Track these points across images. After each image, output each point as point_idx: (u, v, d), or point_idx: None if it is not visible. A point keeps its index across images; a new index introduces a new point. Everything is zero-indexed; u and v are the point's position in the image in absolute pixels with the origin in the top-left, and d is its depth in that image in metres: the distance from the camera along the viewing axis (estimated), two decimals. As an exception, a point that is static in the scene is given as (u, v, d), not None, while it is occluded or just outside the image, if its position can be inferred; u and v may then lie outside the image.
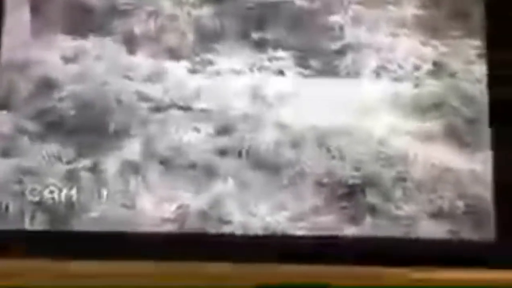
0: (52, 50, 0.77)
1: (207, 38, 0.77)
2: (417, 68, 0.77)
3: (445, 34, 0.77)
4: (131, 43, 0.77)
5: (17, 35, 0.77)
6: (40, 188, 0.73)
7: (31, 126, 0.75)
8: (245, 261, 0.69)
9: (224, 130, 0.75)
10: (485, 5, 0.77)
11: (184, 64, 0.77)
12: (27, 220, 0.73)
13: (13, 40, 0.77)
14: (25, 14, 0.77)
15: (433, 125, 0.75)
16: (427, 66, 0.77)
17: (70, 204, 0.73)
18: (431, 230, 0.73)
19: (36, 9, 0.77)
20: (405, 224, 0.73)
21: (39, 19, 0.77)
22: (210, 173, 0.74)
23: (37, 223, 0.73)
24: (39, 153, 0.74)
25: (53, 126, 0.75)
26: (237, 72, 0.76)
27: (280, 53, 0.77)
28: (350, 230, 0.73)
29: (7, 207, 0.73)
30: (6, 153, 0.74)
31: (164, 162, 0.74)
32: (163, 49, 0.77)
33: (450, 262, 0.70)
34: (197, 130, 0.75)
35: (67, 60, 0.77)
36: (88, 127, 0.75)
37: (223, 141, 0.75)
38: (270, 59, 0.76)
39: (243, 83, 0.76)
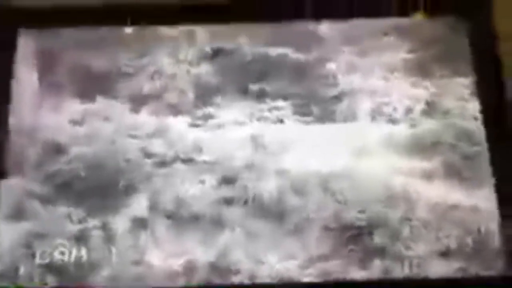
0: (60, 114, 0.64)
1: (207, 93, 0.64)
2: (411, 109, 0.63)
3: (435, 75, 0.64)
4: (135, 102, 0.64)
5: (25, 100, 0.64)
6: (50, 250, 0.58)
7: (41, 189, 0.61)
8: None
9: (228, 180, 0.61)
10: (471, 44, 0.63)
11: (185, 119, 0.63)
12: (37, 281, 0.58)
13: (22, 105, 0.64)
14: (33, 79, 0.63)
15: (432, 163, 0.61)
16: (421, 106, 0.63)
17: (80, 263, 0.58)
18: (440, 268, 0.58)
19: (43, 74, 0.64)
20: (414, 264, 0.57)
21: (47, 83, 0.64)
22: (216, 223, 0.60)
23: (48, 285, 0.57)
24: (49, 216, 0.60)
25: (63, 188, 0.61)
26: (238, 123, 0.63)
27: (279, 102, 0.63)
28: (359, 274, 0.57)
29: (17, 270, 0.59)
30: (17, 217, 0.61)
31: (171, 216, 0.60)
32: (165, 106, 0.64)
33: None
34: (201, 182, 0.61)
35: (75, 122, 0.63)
36: (96, 187, 0.61)
37: (228, 191, 0.61)
38: (269, 109, 0.63)
39: (244, 133, 0.63)
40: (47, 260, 0.58)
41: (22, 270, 0.58)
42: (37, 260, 0.59)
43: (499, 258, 0.57)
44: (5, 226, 0.59)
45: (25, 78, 0.64)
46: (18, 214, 0.60)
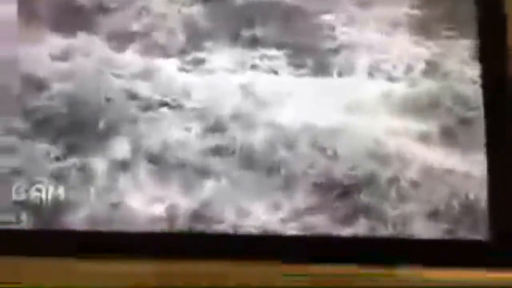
0: (40, 48, 0.62)
1: (198, 36, 0.63)
2: (410, 68, 0.62)
3: (438, 34, 0.63)
4: (120, 40, 0.62)
5: (4, 31, 0.61)
6: (26, 187, 0.58)
7: (20, 125, 0.60)
8: (237, 260, 0.56)
9: (215, 129, 0.61)
10: (477, 6, 0.62)
11: (174, 62, 0.62)
12: (13, 219, 0.58)
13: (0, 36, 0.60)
14: (12, 10, 0.61)
15: (428, 125, 0.62)
16: (421, 66, 0.62)
17: (57, 202, 0.59)
18: (426, 229, 0.59)
19: (23, 5, 0.62)
20: (399, 224, 0.58)
21: (26, 15, 0.62)
22: (201, 172, 0.60)
23: (23, 223, 0.59)
24: (28, 152, 0.60)
25: (42, 125, 0.60)
26: (229, 71, 0.62)
27: (272, 51, 0.62)
28: (344, 230, 0.59)
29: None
30: None
31: (154, 161, 0.60)
32: (152, 47, 0.62)
33: (445, 262, 0.57)
34: (188, 129, 0.60)
35: (55, 57, 0.62)
36: (77, 125, 0.61)
37: (215, 140, 0.60)
38: (262, 58, 0.62)
39: (235, 81, 0.62)
40: (23, 197, 0.55)
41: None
42: (13, 196, 0.54)
43: (485, 223, 0.56)
44: None
45: (4, 8, 0.60)
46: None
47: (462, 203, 0.57)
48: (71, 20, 0.62)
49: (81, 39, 0.62)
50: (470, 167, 0.58)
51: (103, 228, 0.55)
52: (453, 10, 0.63)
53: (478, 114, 0.61)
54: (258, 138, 0.58)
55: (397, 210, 0.57)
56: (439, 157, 0.58)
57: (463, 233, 0.57)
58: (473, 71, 0.62)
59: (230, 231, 0.56)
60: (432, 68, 0.61)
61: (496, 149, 0.59)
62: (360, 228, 0.56)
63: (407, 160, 0.59)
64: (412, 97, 0.60)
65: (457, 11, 0.63)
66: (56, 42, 0.61)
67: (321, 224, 0.57)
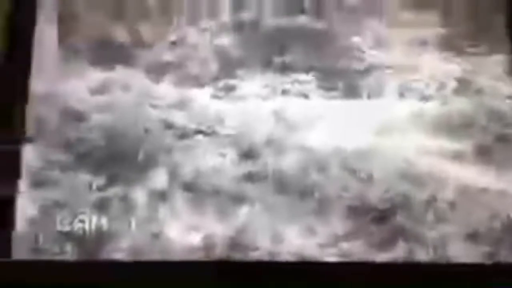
0: (80, 82, 0.64)
1: (230, 65, 0.63)
2: (442, 86, 0.61)
3: (468, 51, 0.62)
4: (156, 72, 0.63)
5: (45, 67, 0.64)
6: (70, 218, 0.59)
7: (61, 157, 0.62)
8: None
9: (248, 155, 0.61)
10: (508, 20, 0.62)
11: (207, 91, 0.63)
12: (57, 250, 0.59)
13: (42, 72, 0.64)
14: (54, 46, 0.64)
15: (462, 143, 0.61)
16: (453, 84, 0.61)
17: (99, 233, 0.59)
18: (466, 252, 0.57)
19: (63, 41, 0.64)
20: (439, 247, 0.57)
21: (67, 51, 0.64)
22: (236, 198, 0.60)
23: (67, 254, 0.59)
24: (70, 184, 0.61)
25: (83, 157, 0.62)
26: (260, 97, 0.63)
27: (302, 76, 0.62)
28: (381, 255, 0.57)
29: (37, 237, 0.60)
30: (38, 185, 0.61)
31: (190, 189, 0.61)
32: (187, 77, 0.63)
33: (487, 285, 0.54)
34: (222, 155, 0.61)
35: (95, 91, 0.64)
36: (116, 157, 0.62)
37: (248, 166, 0.61)
38: (292, 83, 0.62)
39: (266, 107, 0.63)
40: (67, 228, 0.58)
41: (42, 238, 0.58)
42: (58, 228, 0.57)
43: None
44: (26, 193, 0.58)
45: (45, 44, 0.63)
46: (39, 181, 0.61)
47: (503, 223, 0.56)
48: (109, 53, 0.62)
49: (119, 72, 0.62)
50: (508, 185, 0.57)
51: (144, 257, 0.57)
52: (484, 27, 0.61)
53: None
54: (289, 162, 0.59)
55: (435, 233, 0.55)
56: (474, 176, 0.57)
57: (504, 255, 0.55)
58: (508, 86, 0.59)
59: (266, 257, 0.56)
60: (464, 86, 0.60)
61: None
62: (398, 251, 0.56)
63: (440, 180, 0.58)
64: (445, 115, 0.60)
65: (487, 28, 0.61)
66: (95, 75, 0.62)
67: (358, 249, 0.56)
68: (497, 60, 0.61)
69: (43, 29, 0.64)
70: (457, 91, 0.61)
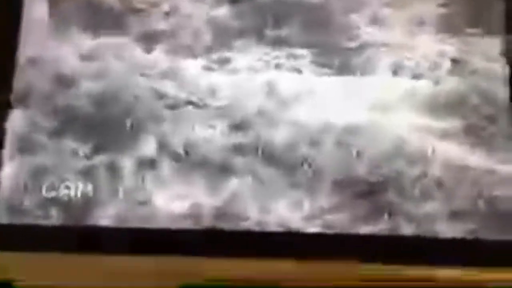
0: (70, 48, 0.64)
1: (223, 36, 0.63)
2: (436, 65, 0.62)
3: (464, 32, 0.63)
4: (147, 41, 0.63)
5: (34, 31, 0.64)
6: (56, 184, 0.60)
7: (48, 123, 0.62)
8: (261, 258, 0.56)
9: (239, 127, 0.62)
10: (506, 2, 0.62)
11: (200, 62, 0.63)
12: (43, 215, 0.59)
13: (30, 36, 0.64)
14: (43, 10, 0.63)
15: (453, 122, 0.61)
16: (447, 64, 0.62)
17: (86, 200, 0.60)
18: (450, 229, 0.58)
19: (53, 6, 0.64)
20: (423, 223, 0.58)
21: (56, 16, 0.64)
22: (225, 169, 0.61)
23: (53, 219, 0.59)
24: (56, 150, 0.61)
25: (70, 123, 0.62)
26: (254, 70, 0.62)
27: (297, 50, 0.62)
28: (366, 229, 0.59)
29: (21, 202, 0.60)
30: (23, 150, 0.61)
31: (179, 159, 0.61)
32: (179, 47, 0.63)
33: (468, 262, 0.57)
34: (212, 127, 0.61)
35: (84, 58, 0.63)
36: (104, 124, 0.62)
37: (239, 138, 0.61)
38: (287, 57, 0.62)
39: (259, 80, 0.62)
40: (53, 194, 0.58)
41: (27, 202, 0.58)
42: (43, 193, 0.57)
43: (511, 223, 0.56)
44: (11, 158, 0.58)
45: (35, 9, 0.63)
46: (24, 146, 0.60)
47: (488, 201, 0.57)
48: (100, 20, 0.62)
49: (110, 40, 0.61)
50: (495, 165, 0.58)
51: (130, 225, 0.57)
52: (480, 7, 0.61)
53: (505, 112, 0.60)
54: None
55: (421, 210, 0.56)
56: (465, 154, 0.58)
57: (488, 233, 0.56)
58: (501, 68, 0.60)
59: (254, 228, 0.56)
60: (458, 66, 0.61)
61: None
62: (382, 226, 0.56)
63: (430, 158, 0.59)
64: (437, 94, 0.60)
65: (484, 8, 0.61)
66: (85, 42, 0.62)
67: (343, 222, 0.57)
68: (493, 42, 0.60)
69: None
70: (451, 71, 0.61)
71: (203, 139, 0.60)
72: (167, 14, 0.64)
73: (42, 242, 0.57)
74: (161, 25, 0.64)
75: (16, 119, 0.62)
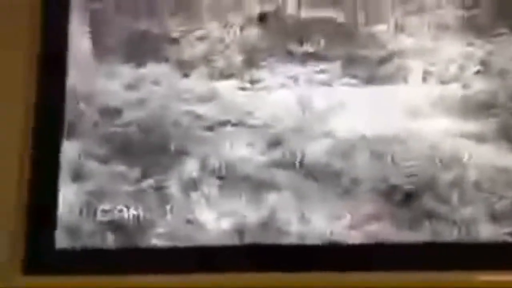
0: (114, 79, 0.64)
1: (254, 56, 0.63)
2: (464, 68, 0.59)
3: (490, 33, 0.60)
4: (184, 67, 0.63)
5: (81, 65, 0.64)
6: (109, 208, 0.60)
7: (98, 151, 0.62)
8: (305, 271, 0.56)
9: (276, 143, 0.61)
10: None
11: (233, 83, 0.62)
12: (99, 239, 0.59)
13: (78, 71, 0.65)
14: (87, 45, 0.63)
15: (485, 125, 0.59)
16: (474, 66, 0.60)
17: (137, 221, 0.60)
18: (490, 232, 0.56)
19: (96, 38, 0.65)
20: (464, 227, 0.56)
21: (99, 48, 0.64)
22: (265, 185, 0.60)
23: (109, 241, 0.59)
24: (107, 176, 0.62)
25: (118, 150, 0.62)
26: (285, 86, 0.62)
27: (325, 64, 0.62)
28: (408, 236, 0.57)
29: (79, 228, 0.61)
30: (77, 178, 0.62)
31: (221, 178, 0.61)
32: (213, 70, 0.63)
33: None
34: (250, 144, 0.61)
35: (128, 87, 0.64)
36: (150, 149, 0.62)
37: (276, 154, 0.61)
38: (316, 72, 0.61)
39: (291, 96, 0.62)
40: (107, 218, 0.57)
41: (84, 227, 0.58)
42: (98, 218, 0.57)
43: None
44: (66, 186, 0.59)
45: (80, 45, 0.63)
46: (78, 174, 0.61)
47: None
48: (139, 50, 0.62)
49: (151, 68, 0.61)
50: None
51: (180, 243, 0.56)
52: (504, 7, 0.59)
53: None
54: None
55: (460, 214, 0.54)
56: (497, 156, 0.55)
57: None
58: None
59: (296, 242, 0.55)
60: (485, 67, 0.58)
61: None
62: (423, 233, 0.54)
63: (466, 162, 0.58)
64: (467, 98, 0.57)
65: (507, 8, 0.58)
66: (127, 72, 0.62)
67: (384, 231, 0.55)
68: None
69: (76, 28, 0.63)
70: (478, 73, 0.59)
71: (242, 157, 0.57)
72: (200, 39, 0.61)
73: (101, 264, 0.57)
74: (196, 50, 0.61)
75: (70, 149, 0.63)
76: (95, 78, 0.64)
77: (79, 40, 0.65)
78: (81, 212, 0.59)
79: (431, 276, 0.52)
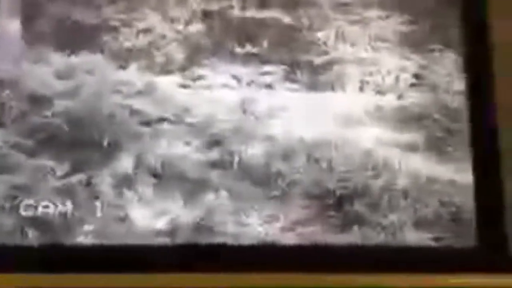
0: (44, 66, 0.60)
1: (196, 54, 0.61)
2: (399, 80, 0.62)
3: (425, 48, 0.63)
4: (121, 58, 0.60)
5: (8, 51, 0.59)
6: (34, 204, 0.57)
7: (25, 142, 0.58)
8: (237, 271, 0.55)
9: (214, 143, 0.60)
10: (462, 20, 0.62)
11: (174, 79, 0.60)
12: (20, 235, 0.56)
13: (5, 56, 0.60)
14: (17, 30, 0.59)
15: (416, 135, 0.61)
16: (409, 79, 0.63)
17: (64, 218, 0.57)
18: (416, 237, 0.58)
19: (27, 23, 0.60)
20: (390, 232, 0.58)
21: (30, 33, 0.60)
22: (201, 185, 0.59)
23: (31, 239, 0.56)
24: (34, 169, 0.58)
25: (47, 142, 0.58)
26: (227, 86, 0.61)
27: (268, 67, 0.61)
28: (337, 239, 0.58)
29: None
30: (0, 170, 0.57)
31: (156, 175, 0.59)
32: (153, 64, 0.60)
33: (434, 268, 0.56)
34: (187, 143, 0.59)
35: (59, 76, 0.60)
36: (81, 142, 0.59)
37: (213, 154, 0.59)
38: (259, 74, 0.61)
39: (232, 97, 0.61)
40: (31, 213, 0.54)
41: (6, 222, 0.55)
42: (22, 213, 0.54)
43: (472, 230, 0.57)
44: None
45: (9, 29, 0.58)
46: (2, 166, 0.57)
47: (451, 211, 0.57)
48: (75, 38, 0.59)
49: (84, 57, 0.58)
50: (456, 176, 0.57)
51: (109, 242, 0.54)
52: (440, 24, 0.61)
53: (464, 124, 0.59)
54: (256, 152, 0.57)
55: (388, 220, 0.55)
56: (428, 166, 0.58)
57: (451, 240, 0.56)
58: (460, 82, 0.60)
59: (231, 242, 0.54)
60: (419, 81, 0.60)
61: (481, 156, 0.57)
62: (353, 236, 0.55)
63: (396, 170, 0.59)
64: (401, 109, 0.60)
65: (442, 26, 0.61)
66: (59, 60, 0.58)
67: (316, 233, 0.56)
68: (451, 56, 0.61)
69: (6, 15, 0.58)
70: (412, 86, 0.61)
71: (178, 155, 0.56)
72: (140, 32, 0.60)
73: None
74: (135, 43, 0.58)
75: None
76: (24, 65, 0.58)
77: (8, 23, 0.60)
78: (3, 206, 0.54)
79: (360, 277, 0.53)
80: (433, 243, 0.56)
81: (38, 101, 0.59)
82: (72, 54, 0.61)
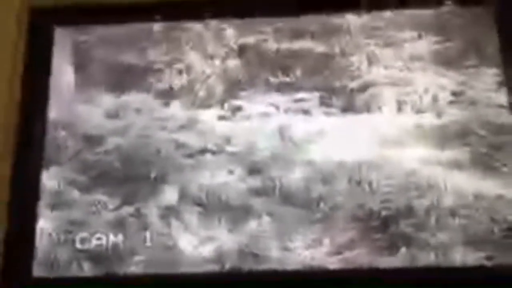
0: (95, 106, 0.63)
1: (234, 87, 0.63)
2: (437, 99, 0.60)
3: (461, 65, 0.62)
4: (166, 96, 0.63)
5: (62, 94, 0.63)
6: (88, 237, 0.59)
7: (79, 179, 0.61)
8: None
9: (255, 170, 0.60)
10: (499, 33, 0.60)
11: (214, 112, 0.62)
12: (76, 267, 0.58)
13: (60, 99, 0.64)
14: (70, 75, 0.63)
15: (459, 152, 0.59)
16: (447, 96, 0.61)
17: (117, 249, 0.58)
18: (466, 257, 0.56)
19: (78, 68, 0.64)
20: (440, 253, 0.56)
21: (82, 77, 0.64)
22: (244, 212, 0.59)
23: (86, 270, 0.58)
24: (87, 204, 0.61)
25: (99, 178, 0.61)
26: (265, 115, 0.62)
27: (304, 94, 0.62)
28: (385, 262, 0.56)
29: (56, 256, 0.59)
30: (57, 206, 0.61)
31: (200, 205, 0.60)
32: (195, 99, 0.63)
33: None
34: (230, 172, 0.60)
35: (109, 115, 0.63)
36: (130, 177, 0.61)
37: (255, 181, 0.60)
38: (295, 101, 0.62)
39: (270, 125, 0.62)
40: (86, 246, 0.56)
41: (62, 256, 0.57)
42: (77, 246, 0.57)
43: None
44: (46, 213, 0.57)
45: (62, 74, 0.63)
46: (58, 202, 0.59)
47: (502, 227, 0.54)
48: (122, 80, 0.62)
49: (132, 97, 0.61)
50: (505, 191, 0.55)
51: (159, 270, 0.55)
52: (476, 41, 0.60)
53: (509, 138, 0.57)
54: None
55: (436, 239, 0.53)
56: (474, 183, 0.56)
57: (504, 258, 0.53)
58: (501, 97, 0.59)
59: (276, 268, 0.54)
60: (458, 97, 0.59)
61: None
62: (400, 258, 0.54)
63: (440, 188, 0.58)
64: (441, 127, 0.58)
65: (479, 41, 0.60)
66: (109, 101, 0.62)
67: (362, 256, 0.55)
68: (489, 72, 0.59)
69: (59, 62, 0.63)
70: (451, 103, 0.59)
71: (221, 183, 0.56)
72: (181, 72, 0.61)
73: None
74: (178, 81, 0.61)
75: (50, 177, 0.62)
76: (77, 107, 0.62)
77: (61, 69, 0.63)
78: (59, 240, 0.57)
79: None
80: (485, 262, 0.52)
81: (91, 140, 0.59)
82: (121, 95, 0.62)
